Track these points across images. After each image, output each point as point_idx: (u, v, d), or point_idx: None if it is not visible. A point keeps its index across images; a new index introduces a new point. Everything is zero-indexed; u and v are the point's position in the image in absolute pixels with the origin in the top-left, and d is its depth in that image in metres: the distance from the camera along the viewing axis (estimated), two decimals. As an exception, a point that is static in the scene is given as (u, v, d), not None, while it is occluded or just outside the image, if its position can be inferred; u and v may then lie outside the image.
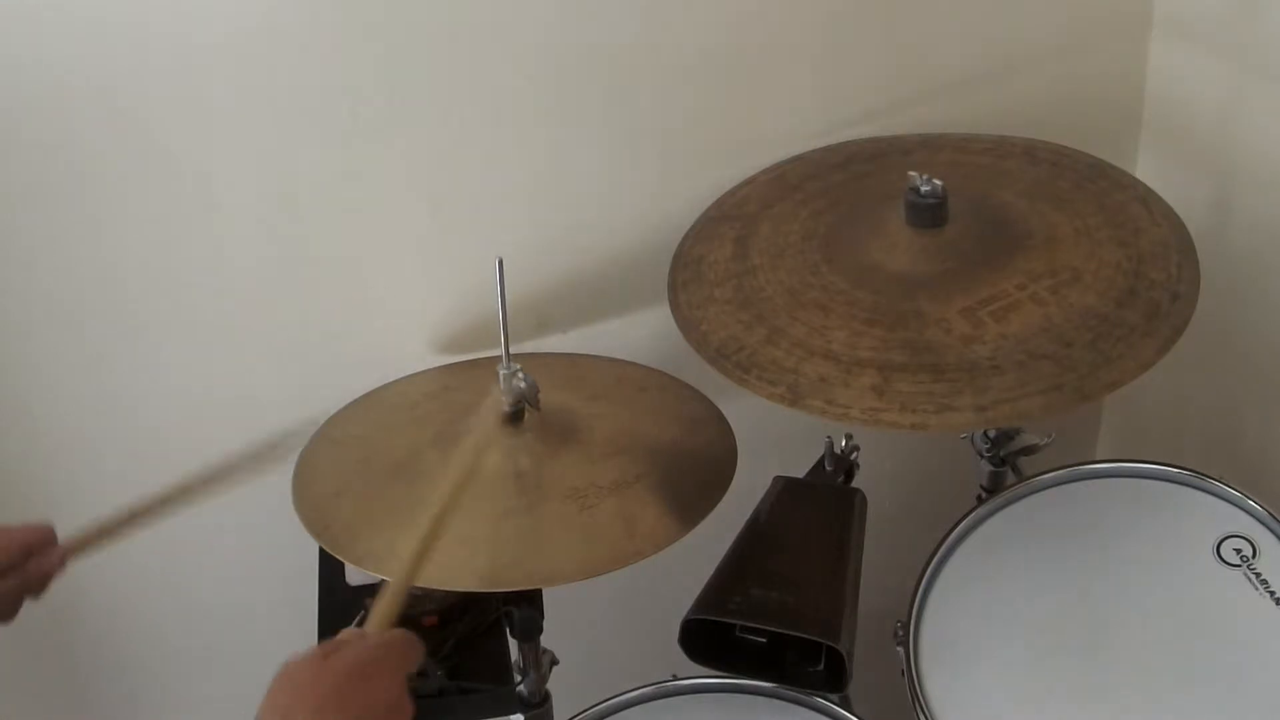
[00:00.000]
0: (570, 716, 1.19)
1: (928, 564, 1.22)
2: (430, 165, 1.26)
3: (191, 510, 1.34)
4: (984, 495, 1.35)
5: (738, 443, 1.15)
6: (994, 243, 1.18)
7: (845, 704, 1.17)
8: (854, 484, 1.27)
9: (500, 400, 1.08)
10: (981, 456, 1.35)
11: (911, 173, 1.18)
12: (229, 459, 1.05)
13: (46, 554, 0.91)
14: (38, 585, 0.90)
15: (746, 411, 1.16)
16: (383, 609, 0.82)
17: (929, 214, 1.18)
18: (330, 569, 1.20)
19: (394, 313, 1.31)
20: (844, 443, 1.27)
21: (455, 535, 1.02)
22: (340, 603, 1.21)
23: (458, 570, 1.00)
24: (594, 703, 1.20)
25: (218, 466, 1.03)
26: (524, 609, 1.12)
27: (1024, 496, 1.27)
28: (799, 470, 1.27)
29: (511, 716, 1.17)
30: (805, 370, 1.09)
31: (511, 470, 1.07)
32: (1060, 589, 1.19)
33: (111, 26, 1.09)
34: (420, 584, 1.01)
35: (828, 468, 1.27)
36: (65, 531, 0.95)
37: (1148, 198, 1.25)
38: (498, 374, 1.09)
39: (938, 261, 1.17)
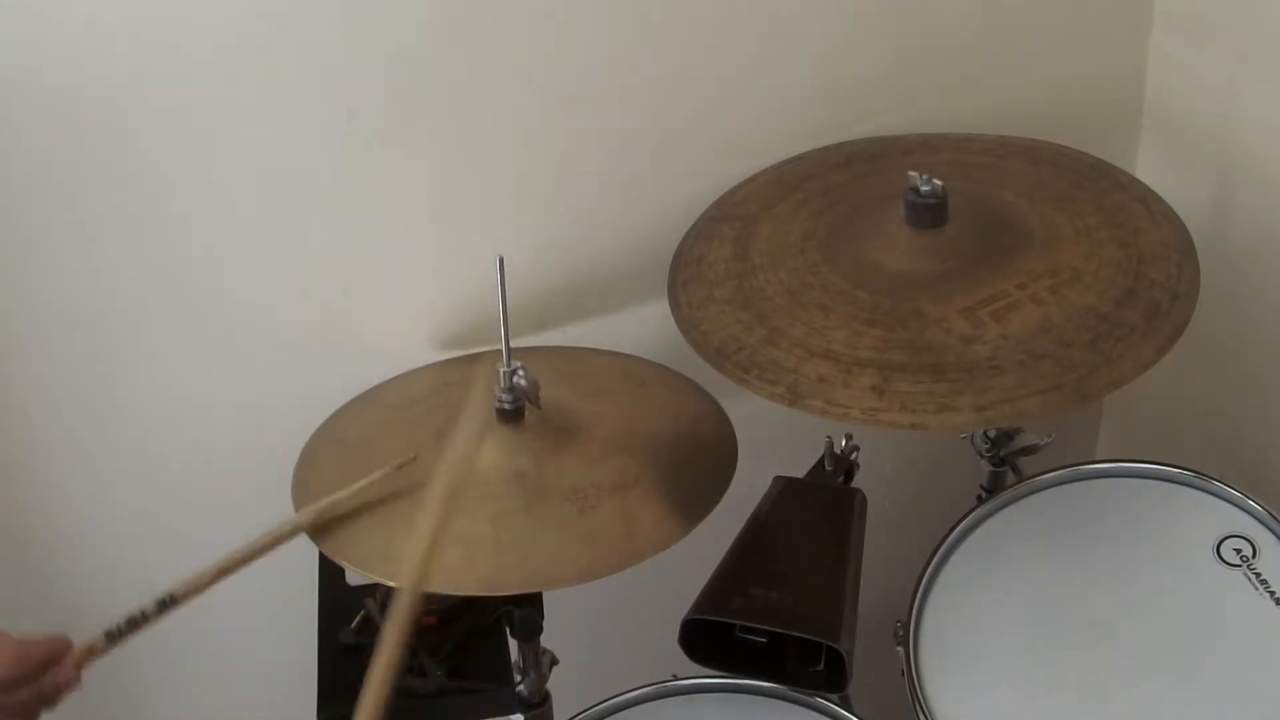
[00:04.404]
0: (570, 716, 1.19)
1: (928, 564, 1.22)
2: (431, 165, 1.26)
3: (191, 511, 1.35)
4: (984, 495, 1.35)
5: (738, 443, 1.15)
6: (994, 243, 1.18)
7: (845, 704, 1.17)
8: (854, 484, 1.27)
9: (488, 397, 1.06)
10: (981, 456, 1.35)
11: (911, 173, 1.18)
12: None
13: (63, 665, 0.91)
14: (52, 696, 0.90)
15: (746, 411, 1.16)
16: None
17: (929, 214, 1.18)
18: (330, 569, 1.20)
19: (394, 312, 1.31)
20: (844, 443, 1.27)
21: (454, 536, 1.03)
22: (340, 603, 1.20)
23: (457, 573, 0.99)
24: (594, 703, 1.20)
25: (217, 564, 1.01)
26: (524, 609, 1.12)
27: (1024, 496, 1.27)
28: (799, 470, 1.27)
29: (511, 716, 1.17)
30: (805, 370, 1.09)
31: (512, 470, 1.07)
32: (1060, 589, 1.19)
33: (111, 29, 1.09)
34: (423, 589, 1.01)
35: (828, 468, 1.27)
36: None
37: (1148, 198, 1.25)
38: (498, 372, 1.08)
39: (938, 261, 1.16)
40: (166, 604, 0.96)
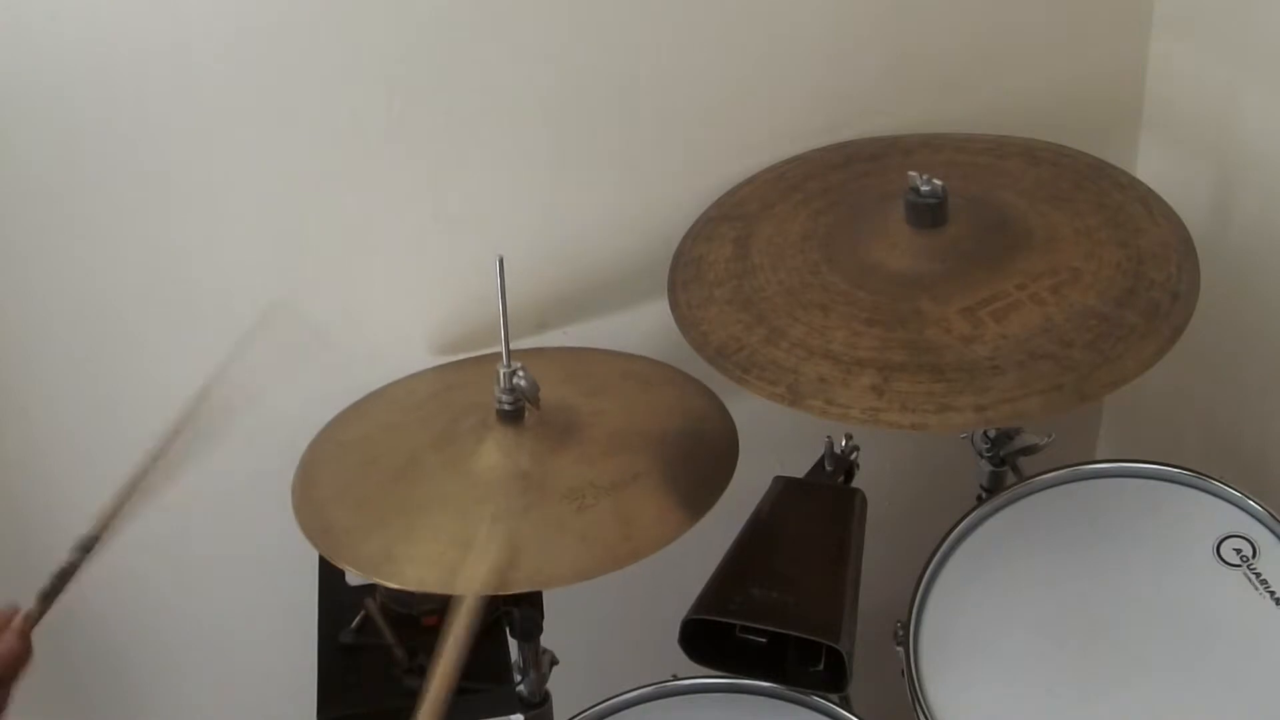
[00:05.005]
0: (570, 716, 1.19)
1: (928, 564, 1.22)
2: (431, 165, 1.25)
3: (191, 513, 1.35)
4: (984, 495, 1.36)
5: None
6: (994, 243, 1.18)
7: (845, 704, 1.17)
8: (854, 484, 1.27)
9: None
10: (981, 456, 1.35)
11: (911, 173, 1.18)
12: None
13: (6, 633, 0.87)
14: (4, 671, 0.86)
15: (746, 411, 1.16)
16: None
17: (929, 214, 1.18)
18: (330, 569, 1.20)
19: (395, 313, 1.31)
20: (844, 443, 1.27)
21: (453, 537, 1.03)
22: (340, 603, 1.21)
23: (455, 574, 0.99)
24: (594, 703, 1.20)
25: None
26: (524, 609, 1.12)
27: (1024, 496, 1.27)
28: (799, 470, 1.27)
29: (511, 716, 1.17)
30: (805, 370, 1.09)
31: (512, 470, 1.07)
32: (1060, 589, 1.19)
33: (111, 29, 1.09)
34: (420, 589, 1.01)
35: (828, 468, 1.27)
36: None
37: (1148, 198, 1.25)
38: (498, 373, 1.08)
39: (938, 261, 1.17)
40: (88, 546, 0.95)
